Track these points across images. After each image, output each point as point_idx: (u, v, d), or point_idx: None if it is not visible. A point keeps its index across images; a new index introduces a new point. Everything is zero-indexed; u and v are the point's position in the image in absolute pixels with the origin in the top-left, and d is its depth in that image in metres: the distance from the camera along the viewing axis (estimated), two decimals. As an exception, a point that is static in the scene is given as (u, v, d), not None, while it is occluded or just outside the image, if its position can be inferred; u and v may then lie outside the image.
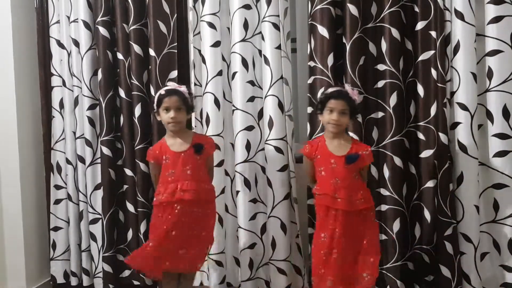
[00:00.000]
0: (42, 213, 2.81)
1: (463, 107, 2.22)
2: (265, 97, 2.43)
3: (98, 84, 2.64)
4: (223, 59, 2.54)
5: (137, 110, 2.60)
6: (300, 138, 2.65)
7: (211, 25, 2.47)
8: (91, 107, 2.67)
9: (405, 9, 2.35)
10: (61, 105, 2.75)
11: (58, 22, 2.72)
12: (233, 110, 2.49)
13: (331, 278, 2.00)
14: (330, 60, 2.34)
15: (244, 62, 2.45)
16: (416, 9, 2.32)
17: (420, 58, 2.32)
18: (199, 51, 2.53)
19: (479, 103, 2.24)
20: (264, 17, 2.40)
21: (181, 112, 2.15)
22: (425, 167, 2.33)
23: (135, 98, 2.60)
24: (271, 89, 2.41)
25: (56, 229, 2.78)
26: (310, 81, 2.40)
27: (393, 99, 2.34)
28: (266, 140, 2.44)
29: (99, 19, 2.60)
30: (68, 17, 2.68)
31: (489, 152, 2.26)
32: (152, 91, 2.57)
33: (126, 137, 2.64)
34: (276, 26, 2.40)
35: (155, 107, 2.19)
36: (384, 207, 2.39)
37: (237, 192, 2.50)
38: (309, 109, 2.40)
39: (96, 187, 2.70)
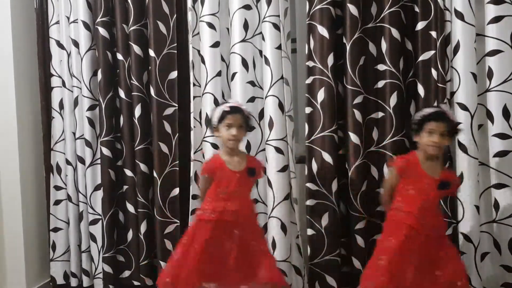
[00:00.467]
0: (42, 214, 2.81)
1: (463, 107, 2.21)
2: (266, 97, 2.43)
3: (98, 84, 2.64)
4: (222, 59, 2.54)
5: (137, 111, 2.60)
6: (301, 139, 2.65)
7: (211, 26, 2.46)
8: (91, 108, 2.67)
9: (405, 9, 2.34)
10: (61, 105, 2.75)
11: (57, 22, 2.72)
12: (233, 111, 2.48)
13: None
14: (330, 60, 2.34)
15: (244, 63, 2.45)
16: (416, 9, 2.32)
17: (420, 58, 2.32)
18: (198, 51, 2.53)
19: (479, 103, 2.24)
20: (264, 17, 2.40)
21: (242, 130, 2.11)
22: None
23: (135, 99, 2.60)
24: (271, 89, 2.41)
25: (56, 230, 2.78)
26: (308, 81, 2.40)
27: (393, 99, 2.33)
28: (267, 141, 2.44)
29: (98, 19, 2.60)
30: (68, 18, 2.68)
31: (489, 152, 2.26)
32: (152, 92, 2.56)
33: (126, 138, 2.64)
34: (276, 27, 2.39)
35: (215, 123, 2.11)
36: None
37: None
38: (308, 110, 2.40)
39: (96, 188, 2.70)
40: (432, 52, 2.29)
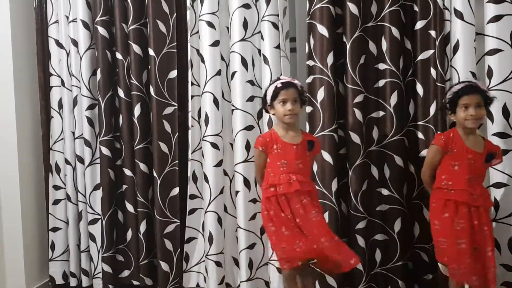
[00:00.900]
0: (41, 214, 2.81)
1: (463, 107, 2.21)
2: (265, 96, 2.42)
3: (97, 84, 2.63)
4: (222, 58, 2.54)
5: (137, 110, 2.59)
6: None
7: (210, 24, 2.46)
8: (90, 107, 2.67)
9: (405, 8, 2.35)
10: (60, 105, 2.74)
11: (57, 22, 2.71)
12: (233, 110, 2.48)
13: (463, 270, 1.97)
14: (330, 59, 2.34)
15: (244, 62, 2.45)
16: (416, 9, 2.32)
17: (420, 58, 2.32)
18: (197, 50, 2.52)
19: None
20: (263, 17, 2.40)
21: (297, 104, 2.10)
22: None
23: (134, 98, 2.60)
24: (270, 88, 2.40)
25: (55, 229, 2.77)
26: (309, 80, 2.40)
27: (393, 98, 2.33)
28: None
29: (98, 18, 2.60)
30: (67, 17, 2.68)
31: (489, 151, 2.26)
32: (152, 91, 2.56)
33: (125, 137, 2.64)
34: (275, 26, 2.39)
35: (268, 101, 2.11)
36: (385, 207, 2.39)
37: (237, 192, 2.49)
38: (308, 108, 2.40)
39: (95, 187, 2.70)
40: (431, 51, 2.29)
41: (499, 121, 2.21)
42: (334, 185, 2.36)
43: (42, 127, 2.79)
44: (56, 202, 2.77)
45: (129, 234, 2.68)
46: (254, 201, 2.50)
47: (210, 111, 2.48)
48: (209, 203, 2.50)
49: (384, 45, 2.34)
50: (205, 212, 2.52)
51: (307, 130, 2.39)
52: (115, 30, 2.62)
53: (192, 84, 2.56)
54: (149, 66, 2.57)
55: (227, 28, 2.50)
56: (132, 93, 2.60)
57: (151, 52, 2.55)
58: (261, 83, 2.47)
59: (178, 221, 2.60)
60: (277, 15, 2.40)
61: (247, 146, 2.47)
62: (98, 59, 2.62)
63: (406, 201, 2.38)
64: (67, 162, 2.73)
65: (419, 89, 2.33)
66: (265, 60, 2.41)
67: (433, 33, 2.28)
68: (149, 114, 2.61)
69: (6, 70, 2.59)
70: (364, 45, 2.35)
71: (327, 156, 2.35)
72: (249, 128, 2.47)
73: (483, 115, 2.01)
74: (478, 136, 2.07)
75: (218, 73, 2.50)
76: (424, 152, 2.32)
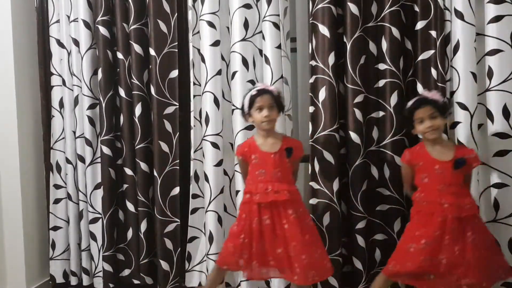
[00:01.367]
0: (41, 213, 2.81)
1: (463, 107, 2.21)
2: (266, 96, 2.42)
3: (98, 83, 2.64)
4: (223, 58, 2.54)
5: (137, 110, 2.60)
6: (301, 138, 2.65)
7: (211, 24, 2.47)
8: (91, 107, 2.67)
9: (405, 8, 2.35)
10: (61, 104, 2.75)
11: (58, 21, 2.72)
12: (233, 110, 2.49)
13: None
14: (331, 59, 2.34)
15: (244, 62, 2.45)
16: (416, 9, 2.32)
17: (420, 58, 2.32)
18: (198, 50, 2.53)
19: (479, 102, 2.24)
20: (264, 17, 2.40)
21: (274, 110, 2.12)
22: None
23: (135, 98, 2.60)
24: (271, 88, 2.41)
25: (56, 228, 2.78)
26: (311, 80, 2.40)
27: (393, 99, 2.34)
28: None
29: (99, 18, 2.60)
30: (68, 17, 2.68)
31: (489, 152, 2.26)
32: (153, 91, 2.57)
33: (126, 137, 2.64)
34: (276, 26, 2.40)
35: (246, 110, 2.14)
36: (384, 207, 2.39)
37: (237, 192, 2.50)
38: (311, 109, 2.39)
39: (96, 187, 2.70)
40: (432, 51, 2.29)
41: (499, 122, 2.21)
42: (335, 185, 2.36)
43: (43, 126, 2.80)
44: (57, 201, 2.77)
45: (130, 233, 2.69)
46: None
47: (210, 111, 2.49)
48: (209, 203, 2.50)
49: (384, 45, 2.34)
50: (206, 211, 2.52)
51: (310, 131, 2.39)
52: (116, 30, 2.62)
53: (194, 84, 2.56)
54: (150, 66, 2.58)
55: (228, 28, 2.50)
56: (133, 92, 2.60)
57: (152, 51, 2.55)
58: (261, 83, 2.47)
59: (179, 221, 2.60)
60: (278, 15, 2.40)
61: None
62: (99, 58, 2.62)
63: (406, 201, 2.38)
64: (68, 161, 2.73)
65: (420, 89, 2.33)
66: (266, 60, 2.41)
67: (433, 33, 2.28)
68: (150, 113, 2.61)
69: (7, 70, 2.59)
70: (364, 45, 2.36)
71: (328, 156, 2.36)
72: (249, 128, 2.47)
73: (439, 124, 2.01)
74: (447, 144, 2.07)
75: (219, 73, 2.50)
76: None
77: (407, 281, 2.10)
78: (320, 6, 2.33)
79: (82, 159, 2.70)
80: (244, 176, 2.24)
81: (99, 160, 2.68)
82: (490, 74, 2.21)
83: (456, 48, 2.22)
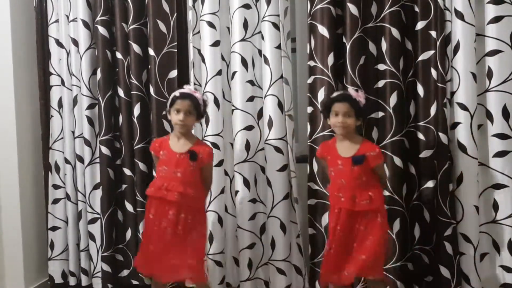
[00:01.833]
0: (40, 213, 2.80)
1: (463, 107, 2.22)
2: (265, 96, 2.42)
3: (97, 83, 2.63)
4: (223, 58, 2.54)
5: (136, 110, 2.59)
6: (300, 138, 2.64)
7: (211, 25, 2.46)
8: (90, 107, 2.67)
9: (405, 9, 2.34)
10: (60, 104, 2.74)
11: (57, 21, 2.71)
12: (233, 110, 2.48)
13: (325, 272, 2.11)
14: (330, 59, 2.34)
15: (244, 62, 2.45)
16: (416, 9, 2.32)
17: (420, 58, 2.32)
18: (199, 50, 2.52)
19: (479, 103, 2.24)
20: (264, 17, 2.40)
21: (191, 116, 2.17)
22: (424, 167, 2.33)
23: (134, 98, 2.60)
24: (270, 88, 2.41)
25: (55, 228, 2.77)
26: (310, 80, 2.40)
27: (393, 99, 2.33)
28: (266, 140, 2.43)
29: (98, 18, 2.60)
30: (67, 16, 2.68)
31: (488, 152, 2.26)
32: (152, 91, 2.56)
33: (125, 137, 2.64)
34: (276, 26, 2.39)
35: (168, 106, 2.21)
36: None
37: (236, 192, 2.49)
38: (309, 109, 2.40)
39: (95, 187, 2.70)
40: (432, 52, 2.29)
41: (499, 122, 2.21)
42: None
43: (42, 126, 2.79)
44: (56, 201, 2.77)
45: (129, 234, 2.68)
46: (254, 201, 2.50)
47: (210, 111, 2.48)
48: (210, 203, 2.50)
49: (384, 45, 2.34)
50: (206, 211, 2.51)
51: (308, 131, 2.39)
52: (115, 30, 2.62)
53: (194, 84, 2.56)
54: (149, 66, 2.57)
55: (228, 28, 2.50)
56: (132, 92, 2.60)
57: (151, 51, 2.55)
58: (261, 83, 2.47)
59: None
60: (278, 15, 2.40)
61: (247, 146, 2.47)
62: (98, 58, 2.62)
63: (406, 202, 2.37)
64: (66, 161, 2.73)
65: (420, 89, 2.33)
66: (266, 60, 2.41)
67: (433, 33, 2.28)
68: (149, 113, 2.61)
69: (6, 69, 2.59)
70: (364, 46, 2.35)
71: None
72: (249, 128, 2.47)
73: (349, 124, 2.06)
74: (356, 141, 2.10)
75: (219, 73, 2.50)
76: (424, 154, 2.32)
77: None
78: (319, 6, 2.33)
79: (81, 159, 2.70)
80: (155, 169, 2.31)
81: (98, 160, 2.67)
82: (489, 74, 2.22)
83: (456, 49, 2.22)
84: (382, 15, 2.34)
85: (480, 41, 2.23)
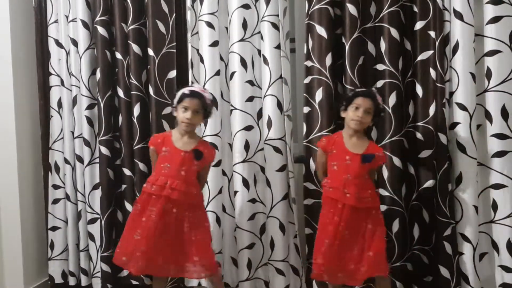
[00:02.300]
0: (40, 213, 2.81)
1: (462, 107, 2.21)
2: (264, 97, 2.42)
3: (97, 83, 2.63)
4: (221, 59, 2.53)
5: (136, 110, 2.59)
6: (299, 138, 2.65)
7: (210, 25, 2.46)
8: (90, 107, 2.67)
9: (404, 9, 2.34)
10: (60, 104, 2.74)
11: (56, 21, 2.71)
12: (232, 110, 2.48)
13: (328, 268, 2.09)
14: (328, 60, 2.34)
15: (243, 62, 2.45)
16: (415, 9, 2.32)
17: (419, 58, 2.32)
18: (197, 50, 2.52)
19: (478, 103, 2.24)
20: (263, 17, 2.40)
21: (198, 115, 2.15)
22: (424, 167, 2.33)
23: (133, 98, 2.60)
24: (270, 89, 2.40)
25: (54, 229, 2.77)
26: (307, 81, 2.40)
27: (392, 99, 2.33)
28: (265, 140, 2.44)
29: (97, 18, 2.60)
30: (67, 17, 2.68)
31: (488, 152, 2.26)
32: (151, 91, 2.56)
33: (124, 137, 2.64)
34: (275, 26, 2.39)
35: (175, 102, 2.18)
36: (383, 208, 2.38)
37: (235, 192, 2.49)
38: (306, 109, 2.40)
39: (95, 187, 2.70)
40: (431, 52, 2.29)
41: (498, 122, 2.21)
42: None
43: (42, 126, 2.79)
44: (56, 201, 2.77)
45: (128, 234, 2.68)
46: (253, 201, 2.50)
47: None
48: (208, 203, 2.50)
49: (383, 45, 2.34)
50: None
51: (304, 131, 2.40)
52: (115, 30, 2.62)
53: (192, 84, 2.56)
54: (149, 66, 2.58)
55: (226, 28, 2.50)
56: (132, 93, 2.60)
57: (150, 52, 2.55)
58: (260, 84, 2.47)
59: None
60: (277, 15, 2.40)
61: (246, 146, 2.47)
62: (97, 58, 2.62)
63: (405, 202, 2.37)
64: (66, 161, 2.73)
65: (419, 89, 2.33)
66: (265, 61, 2.41)
67: (432, 33, 2.28)
68: (149, 114, 2.61)
69: (5, 70, 2.58)
70: (363, 46, 2.35)
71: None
72: (248, 128, 2.47)
73: (366, 121, 2.09)
74: (362, 139, 2.14)
75: (217, 73, 2.50)
76: (423, 154, 2.32)
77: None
78: (317, 7, 2.33)
79: (80, 159, 2.70)
80: (153, 166, 2.26)
81: (97, 160, 2.67)
82: (488, 74, 2.21)
83: (455, 49, 2.22)
84: (381, 15, 2.34)
85: (479, 41, 2.23)
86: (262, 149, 2.47)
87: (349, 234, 2.08)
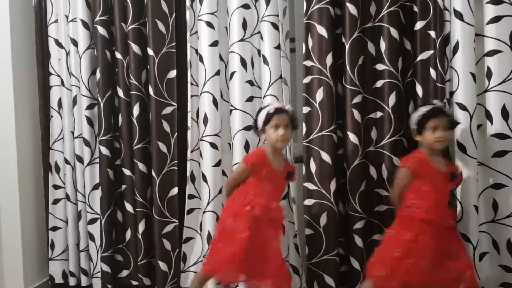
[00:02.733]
0: (40, 213, 2.81)
1: (462, 107, 2.21)
2: (264, 97, 2.42)
3: (97, 83, 2.63)
4: (221, 58, 2.53)
5: (136, 110, 2.59)
6: (299, 138, 2.64)
7: (209, 24, 2.46)
8: (90, 107, 2.67)
9: (404, 8, 2.34)
10: (60, 104, 2.74)
11: (56, 21, 2.71)
12: (231, 110, 2.48)
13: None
14: (328, 59, 2.33)
15: (243, 62, 2.44)
16: (415, 9, 2.31)
17: (419, 58, 2.31)
18: (196, 50, 2.52)
19: (478, 103, 2.23)
20: (263, 17, 2.40)
21: (289, 129, 2.15)
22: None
23: (133, 98, 2.60)
24: (270, 89, 2.40)
25: (55, 229, 2.77)
26: (306, 80, 2.39)
27: (392, 99, 2.33)
28: (265, 140, 2.43)
29: (97, 18, 2.60)
30: (67, 16, 2.68)
31: (488, 152, 2.25)
32: (151, 91, 2.56)
33: (124, 137, 2.64)
34: (275, 26, 2.39)
35: (259, 125, 2.15)
36: (383, 207, 2.39)
37: (235, 192, 2.49)
38: (305, 109, 2.39)
39: (95, 187, 2.70)
40: (431, 51, 2.28)
41: (498, 122, 2.21)
42: (332, 185, 2.36)
43: (42, 126, 2.79)
44: (56, 201, 2.77)
45: (128, 234, 2.69)
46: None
47: (209, 111, 2.48)
48: (208, 203, 2.50)
49: (383, 45, 2.33)
50: (204, 212, 2.52)
51: (304, 131, 2.39)
52: (115, 30, 2.62)
53: (191, 84, 2.55)
54: (148, 66, 2.57)
55: (226, 28, 2.50)
56: (131, 92, 2.60)
57: (150, 52, 2.55)
58: (260, 84, 2.47)
59: (177, 221, 2.60)
60: (277, 15, 2.39)
61: (246, 147, 2.46)
62: (97, 58, 2.62)
63: (405, 202, 2.37)
64: (66, 161, 2.73)
65: (419, 89, 2.32)
66: (265, 61, 2.41)
67: (432, 33, 2.28)
68: (148, 114, 2.61)
69: (5, 70, 2.59)
70: (362, 46, 2.35)
71: (325, 157, 2.35)
72: (248, 128, 2.46)
73: (450, 138, 2.09)
74: (441, 156, 2.14)
75: (217, 73, 2.49)
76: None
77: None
78: (317, 6, 2.33)
79: (80, 159, 2.70)
80: (235, 183, 2.20)
81: (97, 160, 2.67)
82: (489, 74, 2.21)
83: (455, 49, 2.21)
84: (381, 15, 2.33)
85: (479, 41, 2.22)
86: (262, 149, 2.47)
87: (434, 255, 2.03)
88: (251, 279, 2.17)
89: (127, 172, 2.65)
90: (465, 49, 2.20)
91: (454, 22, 2.21)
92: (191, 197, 2.58)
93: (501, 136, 2.21)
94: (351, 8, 2.29)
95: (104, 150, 2.63)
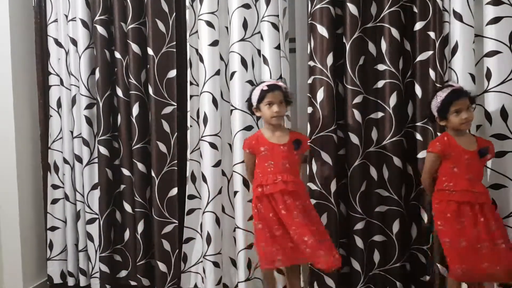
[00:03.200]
0: (39, 213, 2.80)
1: (462, 108, 2.21)
2: (264, 97, 2.42)
3: (96, 83, 2.63)
4: (221, 58, 2.53)
5: (135, 110, 2.59)
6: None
7: (210, 24, 2.46)
8: (89, 106, 2.66)
9: (404, 9, 2.34)
10: (59, 104, 2.74)
11: (56, 20, 2.71)
12: (232, 110, 2.48)
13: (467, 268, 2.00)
14: (329, 60, 2.34)
15: (243, 62, 2.44)
16: (415, 10, 2.32)
17: (419, 59, 2.32)
18: (196, 50, 2.52)
19: (477, 103, 2.24)
20: (263, 17, 2.40)
21: (283, 105, 2.19)
22: (422, 167, 2.32)
23: (132, 98, 2.59)
24: (270, 89, 2.40)
25: (53, 229, 2.77)
26: (310, 81, 2.39)
27: (392, 99, 2.33)
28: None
29: (97, 17, 2.59)
30: (66, 16, 2.68)
31: (487, 153, 2.26)
32: (150, 91, 2.56)
33: (123, 137, 2.63)
34: (275, 26, 2.39)
35: (254, 103, 2.20)
36: (383, 208, 2.39)
37: (235, 192, 2.48)
38: (309, 109, 2.39)
39: (93, 187, 2.69)
40: (431, 52, 2.29)
41: (498, 123, 2.21)
42: (333, 186, 2.36)
43: (41, 126, 2.79)
44: (55, 201, 2.76)
45: (127, 234, 2.68)
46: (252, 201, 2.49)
47: (209, 111, 2.48)
48: (207, 204, 2.49)
49: (384, 46, 2.34)
50: (203, 212, 2.51)
51: (308, 131, 2.39)
52: (114, 29, 2.62)
53: (191, 84, 2.55)
54: (148, 66, 2.57)
55: (227, 28, 2.50)
56: (131, 92, 2.60)
57: (150, 51, 2.55)
58: (260, 83, 2.47)
59: (177, 222, 2.59)
60: (277, 16, 2.40)
61: (245, 146, 2.46)
62: (97, 58, 2.61)
63: (405, 202, 2.38)
64: (65, 161, 2.72)
65: (418, 90, 2.33)
66: (265, 61, 2.41)
67: (432, 34, 2.28)
68: (148, 113, 2.60)
69: (4, 69, 2.58)
70: (363, 46, 2.35)
71: (326, 157, 2.35)
72: (248, 128, 2.46)
73: (473, 116, 2.09)
74: (469, 135, 2.14)
75: (217, 73, 2.49)
76: (421, 154, 2.32)
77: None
78: (318, 6, 2.33)
79: (79, 159, 2.69)
80: (249, 170, 2.30)
81: (96, 160, 2.67)
82: (488, 75, 2.21)
83: (454, 49, 2.22)
84: (381, 15, 2.34)
85: (479, 42, 2.23)
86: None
87: (485, 234, 2.02)
88: (298, 256, 2.14)
89: (126, 172, 2.64)
90: (464, 50, 2.20)
91: (453, 23, 2.22)
92: (192, 197, 2.58)
93: (500, 136, 2.22)
94: (352, 8, 2.30)
95: (103, 150, 2.63)
